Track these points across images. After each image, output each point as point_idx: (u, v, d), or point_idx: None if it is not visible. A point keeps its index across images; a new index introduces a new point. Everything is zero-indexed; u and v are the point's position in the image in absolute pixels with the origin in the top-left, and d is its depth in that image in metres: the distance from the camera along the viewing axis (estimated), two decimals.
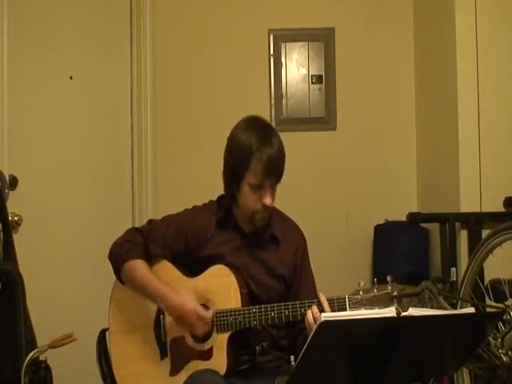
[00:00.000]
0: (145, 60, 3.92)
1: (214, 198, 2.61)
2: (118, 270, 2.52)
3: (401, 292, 2.25)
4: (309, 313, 2.29)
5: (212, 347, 2.38)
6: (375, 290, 2.26)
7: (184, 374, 2.38)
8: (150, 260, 2.50)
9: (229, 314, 2.37)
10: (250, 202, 2.43)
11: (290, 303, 2.34)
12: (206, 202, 2.61)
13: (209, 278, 2.44)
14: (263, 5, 4.15)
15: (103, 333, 2.57)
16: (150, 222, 2.61)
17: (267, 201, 2.42)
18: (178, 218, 2.57)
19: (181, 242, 2.51)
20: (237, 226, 2.52)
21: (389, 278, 2.26)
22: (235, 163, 2.44)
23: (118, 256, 2.51)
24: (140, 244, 2.51)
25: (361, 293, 2.27)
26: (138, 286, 2.47)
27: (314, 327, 1.90)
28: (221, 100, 4.09)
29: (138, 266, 2.47)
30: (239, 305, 2.38)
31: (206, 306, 2.41)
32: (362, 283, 2.29)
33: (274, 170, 2.40)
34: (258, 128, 2.46)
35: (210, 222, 2.53)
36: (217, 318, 2.38)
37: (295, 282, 2.53)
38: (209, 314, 2.37)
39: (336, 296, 2.30)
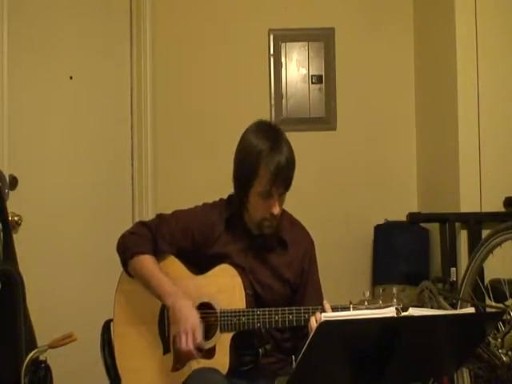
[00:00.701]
0: (145, 60, 3.92)
1: (218, 198, 2.61)
2: (125, 263, 2.52)
3: (405, 303, 2.24)
4: (312, 319, 2.29)
5: (215, 346, 2.39)
6: (380, 302, 2.26)
7: (185, 371, 2.39)
8: (157, 255, 2.50)
9: (233, 314, 2.37)
10: (259, 210, 2.44)
11: (294, 308, 2.35)
12: (216, 199, 2.61)
13: (214, 277, 2.44)
14: (263, 5, 4.15)
15: (108, 323, 2.57)
16: (159, 216, 2.60)
17: (275, 210, 2.42)
18: (186, 214, 2.57)
19: (188, 238, 2.52)
20: (245, 227, 2.52)
21: (394, 290, 2.26)
22: (244, 171, 2.43)
23: (126, 249, 2.51)
24: (148, 238, 2.51)
25: (365, 303, 2.26)
26: (144, 281, 2.47)
27: (314, 327, 1.90)
28: (221, 100, 4.08)
29: (146, 261, 2.47)
30: (243, 305, 2.38)
31: (209, 304, 2.41)
32: (367, 293, 2.29)
33: (282, 178, 2.40)
34: (268, 136, 2.44)
35: (219, 220, 2.53)
36: (221, 317, 2.38)
37: (301, 286, 2.53)
38: (202, 343, 2.35)
39: (340, 304, 2.30)
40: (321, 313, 2.27)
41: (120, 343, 2.52)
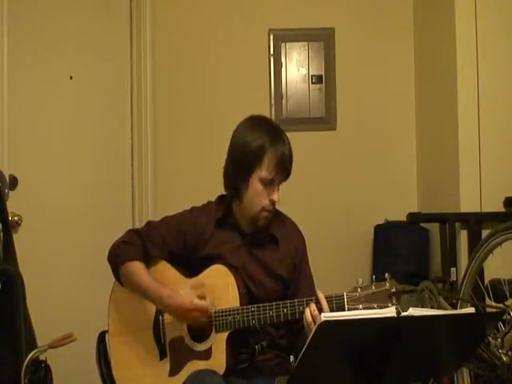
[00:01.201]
0: (145, 60, 3.92)
1: (213, 199, 2.61)
2: (116, 272, 2.52)
3: (399, 289, 2.24)
4: (307, 311, 2.28)
5: (211, 347, 2.38)
6: (373, 287, 2.25)
7: (183, 374, 2.38)
8: (149, 261, 2.50)
9: (227, 313, 2.37)
10: (258, 198, 2.44)
11: (288, 301, 2.34)
12: (205, 202, 2.61)
13: (207, 278, 2.44)
14: (263, 5, 4.15)
15: (103, 334, 2.57)
16: (149, 223, 2.61)
17: (275, 197, 2.44)
18: (176, 218, 2.57)
19: (179, 242, 2.52)
20: (236, 225, 2.53)
21: (387, 275, 2.26)
22: (245, 157, 2.44)
23: (116, 257, 2.51)
24: (138, 245, 2.51)
25: (359, 290, 2.26)
26: (135, 288, 2.47)
27: (314, 327, 1.90)
28: (221, 100, 4.09)
29: (136, 268, 2.47)
30: (238, 304, 2.38)
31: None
32: (360, 280, 2.28)
33: (285, 167, 2.44)
34: (269, 125, 2.50)
35: (209, 222, 2.53)
36: (215, 317, 2.38)
37: (294, 282, 2.53)
38: (206, 303, 2.36)
39: (334, 293, 2.30)
40: (316, 304, 2.27)
41: (116, 352, 2.51)
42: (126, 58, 3.88)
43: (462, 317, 2.05)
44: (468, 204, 3.51)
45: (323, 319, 1.85)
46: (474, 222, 3.48)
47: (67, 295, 3.33)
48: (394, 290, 2.23)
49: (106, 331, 2.55)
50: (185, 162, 4.07)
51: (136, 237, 2.53)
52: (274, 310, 2.34)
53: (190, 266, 2.50)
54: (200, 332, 2.41)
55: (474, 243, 3.30)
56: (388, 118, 4.18)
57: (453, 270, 3.48)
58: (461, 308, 3.02)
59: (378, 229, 4.02)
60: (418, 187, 4.16)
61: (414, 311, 1.93)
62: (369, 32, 4.17)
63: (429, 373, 2.24)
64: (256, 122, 2.52)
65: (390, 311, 1.95)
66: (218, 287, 2.41)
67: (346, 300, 2.26)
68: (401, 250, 3.89)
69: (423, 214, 3.81)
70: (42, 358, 2.54)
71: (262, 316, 2.35)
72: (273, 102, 4.13)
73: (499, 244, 3.00)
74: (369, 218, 4.04)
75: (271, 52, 4.15)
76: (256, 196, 2.45)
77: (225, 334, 2.37)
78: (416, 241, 3.92)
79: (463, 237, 3.54)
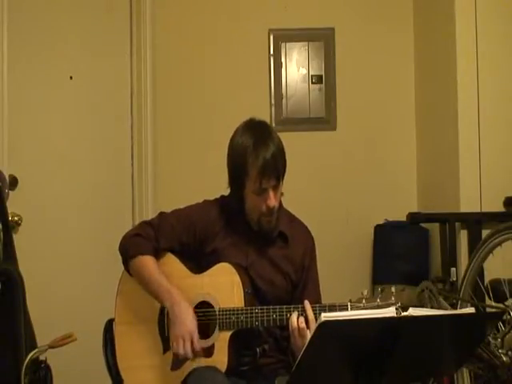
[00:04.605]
0: (145, 60, 3.92)
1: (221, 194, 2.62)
2: (126, 264, 2.53)
3: (403, 302, 2.24)
4: (293, 316, 2.30)
5: (214, 344, 2.39)
6: (378, 300, 2.26)
7: (185, 369, 2.40)
8: (159, 253, 2.52)
9: (231, 312, 2.38)
10: (256, 207, 2.47)
11: (292, 306, 2.35)
12: (218, 197, 2.62)
13: (213, 276, 2.45)
14: (263, 5, 4.15)
15: (110, 322, 2.58)
16: (161, 214, 2.62)
17: (270, 203, 2.44)
18: (188, 210, 2.59)
19: (190, 233, 2.53)
20: (246, 222, 2.54)
21: (393, 289, 2.26)
22: (235, 173, 2.47)
23: (127, 250, 2.52)
24: (150, 238, 2.52)
25: (364, 302, 2.27)
26: (144, 283, 2.48)
27: (314, 327, 1.90)
28: (221, 100, 4.08)
29: (146, 263, 2.48)
30: (242, 304, 2.39)
31: (208, 303, 2.42)
32: (366, 292, 2.29)
33: (272, 171, 2.42)
34: (253, 133, 2.47)
35: (219, 216, 2.55)
36: (219, 315, 2.39)
37: (301, 283, 2.55)
38: (198, 345, 2.37)
39: (338, 302, 2.30)
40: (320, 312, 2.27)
41: (121, 342, 2.53)
42: (126, 57, 3.88)
43: (461, 317, 2.05)
44: (468, 204, 3.51)
45: (323, 319, 1.85)
46: (474, 222, 3.48)
47: (67, 295, 3.34)
48: (399, 304, 2.22)
49: (113, 319, 2.56)
50: (185, 162, 4.07)
51: (148, 229, 2.54)
52: (278, 314, 2.35)
53: (199, 259, 2.51)
54: (204, 329, 2.42)
55: (474, 243, 3.30)
56: (388, 118, 4.18)
57: (453, 269, 3.48)
58: (461, 308, 3.02)
59: (378, 229, 4.01)
60: (417, 187, 4.15)
61: (414, 311, 1.93)
62: (369, 32, 4.17)
63: (429, 373, 2.24)
64: (242, 132, 2.50)
65: (390, 311, 1.95)
66: (224, 286, 2.42)
67: (349, 309, 2.26)
68: (401, 250, 3.88)
69: (423, 213, 3.81)
70: (41, 358, 2.54)
71: (265, 318, 2.35)
72: (273, 101, 4.13)
73: (499, 244, 3.00)
74: (369, 217, 4.04)
75: (271, 52, 4.15)
76: (253, 205, 2.47)
77: (228, 334, 2.38)
78: (416, 241, 3.92)
79: (463, 237, 3.54)
